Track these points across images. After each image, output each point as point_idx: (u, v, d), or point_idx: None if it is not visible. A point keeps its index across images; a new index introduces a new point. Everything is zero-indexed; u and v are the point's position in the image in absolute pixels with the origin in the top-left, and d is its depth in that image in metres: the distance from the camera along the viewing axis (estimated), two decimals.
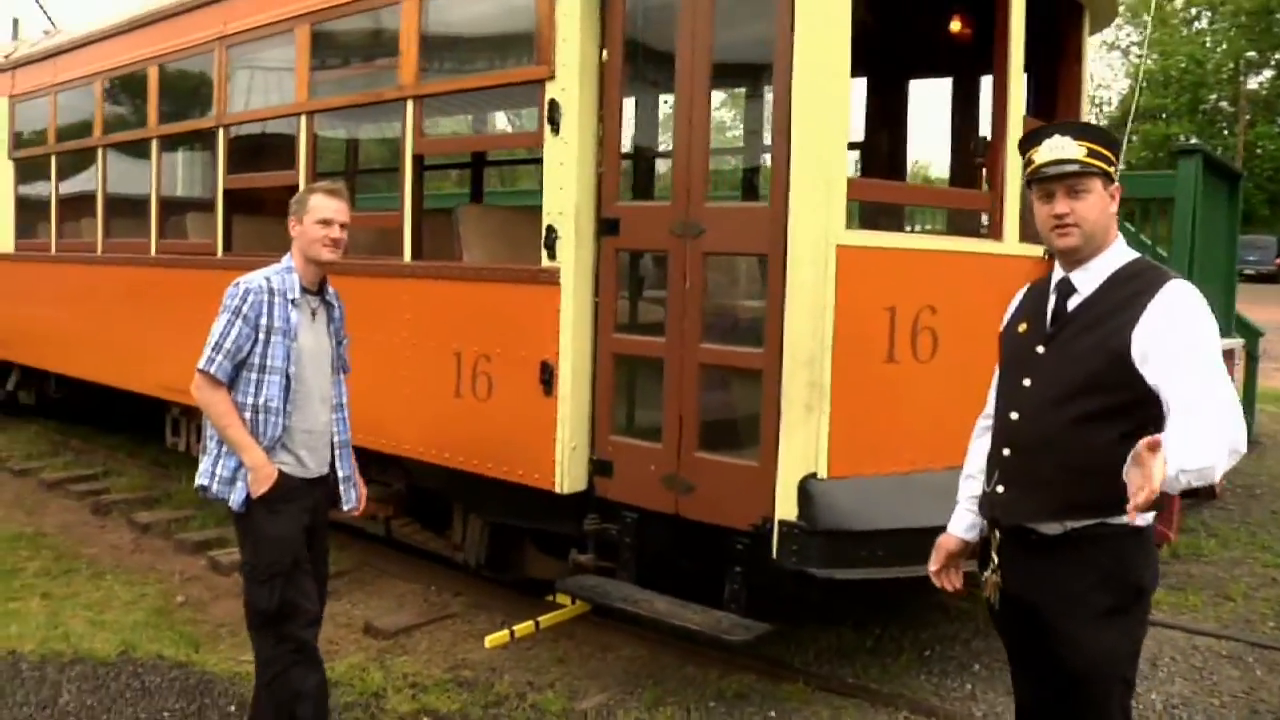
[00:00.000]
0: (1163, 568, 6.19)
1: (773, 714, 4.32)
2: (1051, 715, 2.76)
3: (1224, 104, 46.50)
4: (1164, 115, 45.59)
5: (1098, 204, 2.58)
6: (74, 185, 8.56)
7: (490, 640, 4.98)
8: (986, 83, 5.27)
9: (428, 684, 4.60)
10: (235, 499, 3.54)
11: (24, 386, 10.00)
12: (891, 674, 4.73)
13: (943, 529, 4.01)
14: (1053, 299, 2.68)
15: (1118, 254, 2.62)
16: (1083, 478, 2.52)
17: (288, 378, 3.55)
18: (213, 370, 3.48)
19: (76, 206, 8.48)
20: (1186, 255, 6.67)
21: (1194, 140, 42.21)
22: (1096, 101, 49.45)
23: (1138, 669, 2.72)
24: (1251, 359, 9.56)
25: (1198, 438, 2.19)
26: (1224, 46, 45.49)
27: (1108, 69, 49.83)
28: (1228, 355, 8.03)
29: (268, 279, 3.59)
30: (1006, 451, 2.70)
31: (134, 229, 7.62)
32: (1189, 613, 5.57)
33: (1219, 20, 46.09)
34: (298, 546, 3.59)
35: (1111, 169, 2.59)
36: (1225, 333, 8.21)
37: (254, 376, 3.52)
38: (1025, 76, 5.38)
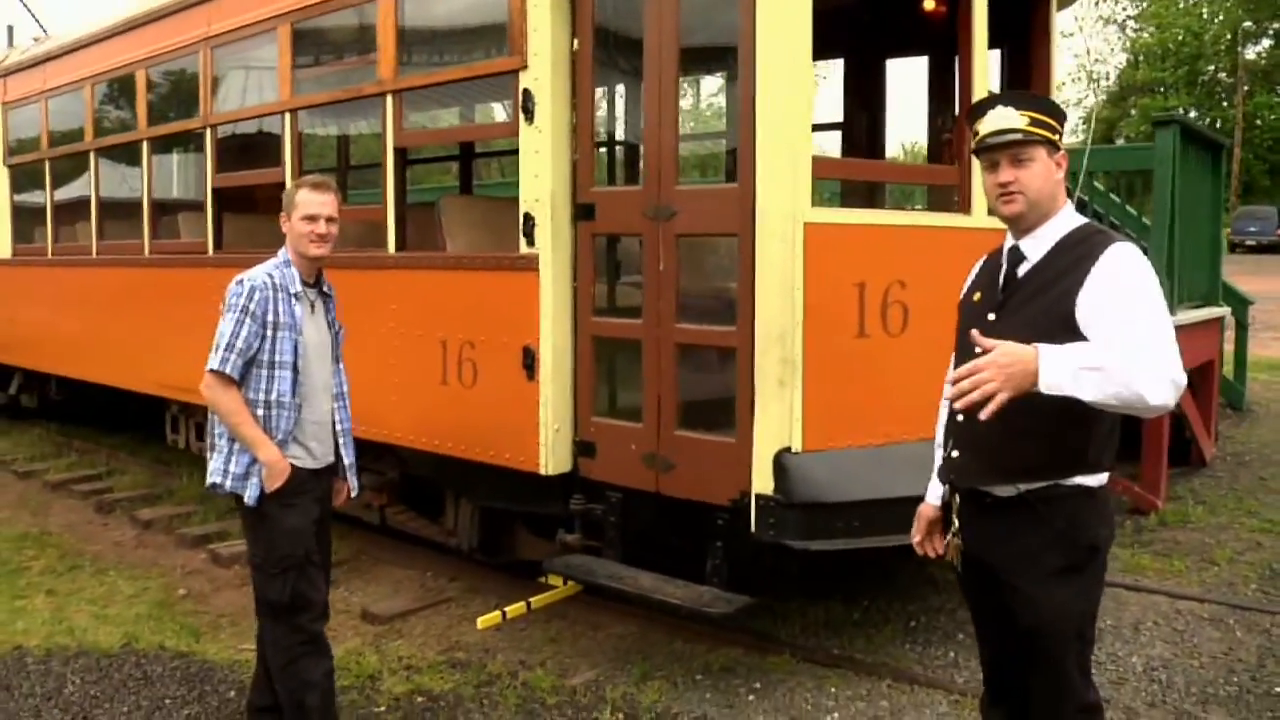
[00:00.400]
0: (1150, 535, 6.33)
1: (758, 685, 4.42)
2: (1012, 672, 2.85)
3: (1222, 75, 46.33)
4: (1162, 88, 45.46)
5: (1041, 172, 2.65)
6: (68, 189, 8.67)
7: (482, 621, 5.08)
8: None
9: (422, 666, 4.71)
10: (250, 494, 3.55)
11: (26, 390, 10.13)
12: (876, 645, 4.82)
13: (918, 499, 4.10)
14: (1004, 267, 2.76)
15: (1065, 220, 2.69)
16: (1031, 441, 2.60)
17: (296, 371, 3.59)
18: (227, 370, 3.50)
19: (71, 210, 8.59)
20: (1166, 225, 6.72)
21: (1193, 113, 42.09)
22: (1094, 76, 49.28)
23: (1096, 626, 2.79)
24: (1241, 327, 9.61)
25: (1110, 351, 2.37)
26: (1221, 18, 45.29)
27: (1104, 43, 49.63)
28: (1213, 323, 8.10)
29: (270, 275, 3.60)
30: (960, 417, 2.78)
31: (127, 230, 7.72)
32: (1173, 578, 5.65)
33: None
34: (309, 539, 3.64)
35: (1056, 136, 2.66)
36: (1212, 301, 8.27)
37: (264, 373, 3.55)
38: (998, 53, 5.47)
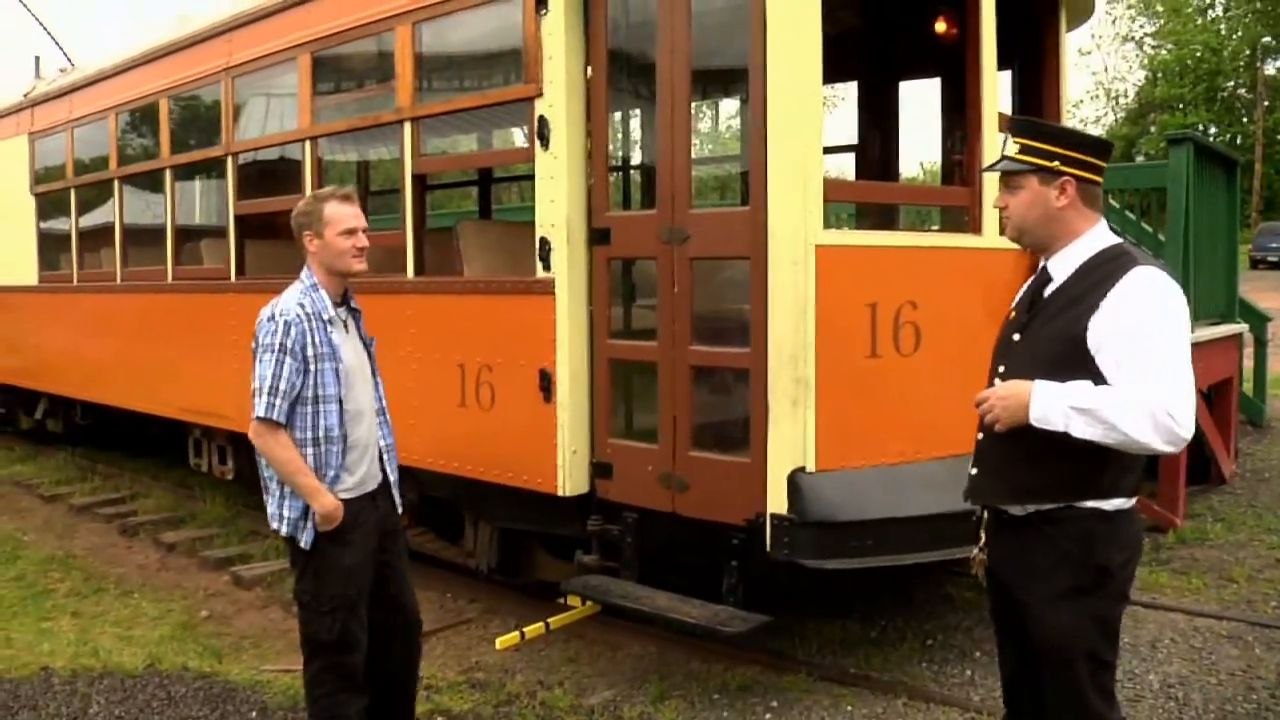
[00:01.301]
0: (1168, 553, 6.30)
1: (775, 704, 4.43)
2: (1029, 689, 2.86)
3: (1242, 91, 46.19)
4: (1181, 105, 45.32)
5: (1027, 199, 2.69)
6: (92, 217, 8.82)
7: (501, 642, 5.11)
8: None
9: (442, 686, 4.74)
10: (305, 539, 3.44)
11: (52, 415, 10.25)
12: (893, 663, 4.83)
13: (931, 518, 4.13)
14: (1035, 287, 2.78)
15: (1093, 241, 2.67)
16: (1041, 464, 2.61)
17: (341, 402, 3.44)
18: (274, 415, 3.34)
19: (96, 237, 8.74)
20: (1181, 243, 6.73)
21: (1212, 129, 41.90)
22: (1113, 94, 49.22)
23: (1116, 647, 2.75)
24: (1260, 344, 9.58)
25: (1103, 393, 2.46)
26: (1239, 34, 45.20)
27: (1123, 60, 49.65)
28: (1231, 340, 8.07)
29: (301, 304, 3.42)
30: (980, 435, 2.80)
31: (151, 257, 7.85)
32: (1192, 595, 5.63)
33: (1234, 7, 45.83)
34: (363, 578, 3.53)
35: (1053, 164, 2.64)
36: (1229, 318, 8.25)
37: (309, 409, 3.40)
38: (1009, 72, 5.53)
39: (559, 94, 4.66)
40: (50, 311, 9.46)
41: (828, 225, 4.21)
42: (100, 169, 8.49)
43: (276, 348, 3.35)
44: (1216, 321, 7.77)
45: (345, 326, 3.57)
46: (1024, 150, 2.69)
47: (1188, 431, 2.44)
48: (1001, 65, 5.40)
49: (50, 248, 9.51)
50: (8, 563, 7.03)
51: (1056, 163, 2.65)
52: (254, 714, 4.50)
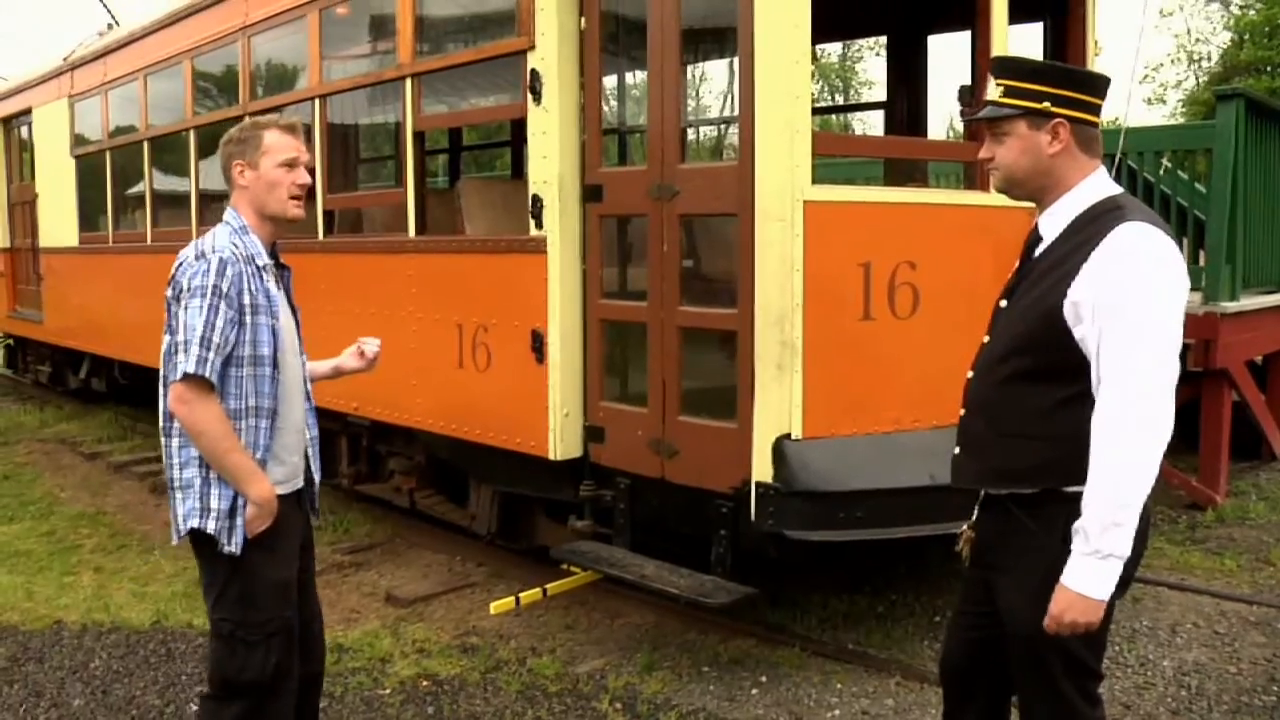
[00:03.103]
0: (1204, 532, 6.01)
1: (764, 679, 4.30)
2: (985, 677, 2.68)
3: None
4: (1269, 68, 43.40)
5: (1016, 147, 2.42)
6: (126, 178, 8.91)
7: (495, 607, 5.04)
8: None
9: (434, 650, 4.70)
10: (235, 541, 2.77)
11: (95, 374, 10.43)
12: (895, 640, 4.66)
13: (926, 490, 3.94)
14: (1027, 249, 2.54)
15: (1085, 195, 2.40)
16: (1015, 443, 2.41)
17: (276, 367, 2.86)
18: (206, 372, 2.69)
19: (129, 199, 8.84)
20: (1228, 207, 6.33)
21: None
22: (1195, 57, 47.37)
23: (1099, 644, 2.47)
24: None
25: (1094, 495, 2.22)
26: None
27: (1206, 22, 47.62)
28: None
29: (234, 244, 2.83)
30: (962, 411, 2.60)
31: (179, 218, 7.89)
32: (1224, 578, 5.35)
33: None
34: (294, 593, 2.96)
35: (1043, 104, 2.36)
36: None
37: (243, 372, 2.80)
38: (1040, 25, 5.25)
39: (551, 46, 4.51)
40: (89, 272, 9.59)
41: (847, 183, 4.00)
42: (132, 131, 8.56)
43: (210, 290, 2.72)
44: (1271, 290, 7.35)
45: (277, 283, 2.99)
46: (1008, 92, 2.40)
47: (1167, 429, 2.22)
48: (1032, 18, 5.14)
49: (89, 210, 9.63)
50: (42, 518, 7.19)
51: (1047, 103, 2.37)
52: None
